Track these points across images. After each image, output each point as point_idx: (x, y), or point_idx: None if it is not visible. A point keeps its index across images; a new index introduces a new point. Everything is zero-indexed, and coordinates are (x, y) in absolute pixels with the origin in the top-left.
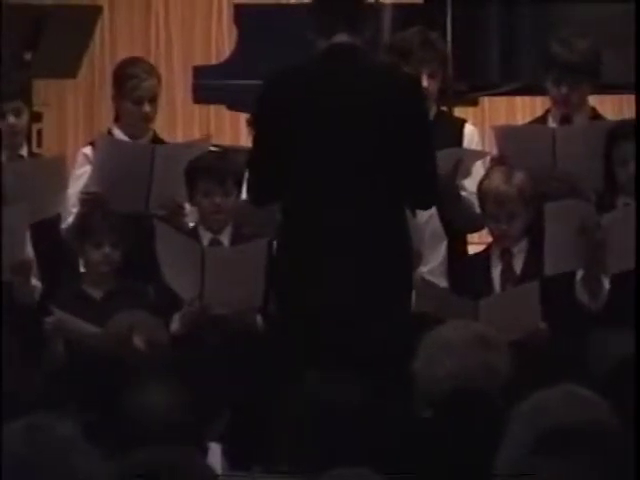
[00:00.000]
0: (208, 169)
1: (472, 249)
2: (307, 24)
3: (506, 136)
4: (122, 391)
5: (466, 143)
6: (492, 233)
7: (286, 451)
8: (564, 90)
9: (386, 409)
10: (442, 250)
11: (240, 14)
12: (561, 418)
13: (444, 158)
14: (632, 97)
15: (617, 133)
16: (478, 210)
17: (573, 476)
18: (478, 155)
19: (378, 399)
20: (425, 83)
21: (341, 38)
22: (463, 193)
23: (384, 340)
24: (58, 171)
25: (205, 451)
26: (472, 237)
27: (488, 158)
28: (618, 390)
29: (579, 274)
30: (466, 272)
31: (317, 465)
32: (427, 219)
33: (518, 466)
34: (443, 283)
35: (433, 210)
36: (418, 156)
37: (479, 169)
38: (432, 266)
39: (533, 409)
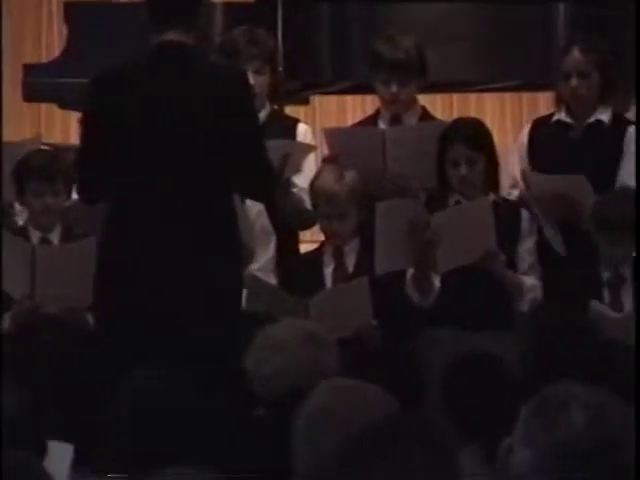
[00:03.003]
0: (37, 169)
1: (304, 248)
2: (138, 22)
3: (336, 137)
4: None
5: None
6: (324, 232)
7: (114, 451)
8: (392, 89)
9: (218, 408)
10: (271, 247)
11: (70, 12)
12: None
13: (273, 150)
14: (462, 95)
15: (449, 135)
16: (309, 207)
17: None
18: (307, 149)
19: (210, 398)
20: (251, 80)
21: (171, 35)
22: (294, 189)
23: (215, 338)
24: None
25: (42, 452)
26: (304, 236)
27: (320, 157)
28: (450, 389)
29: (410, 272)
30: (298, 271)
31: (145, 464)
32: (256, 216)
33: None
34: (272, 280)
35: (261, 207)
36: (249, 150)
37: (311, 166)
38: (261, 263)
39: (315, 412)
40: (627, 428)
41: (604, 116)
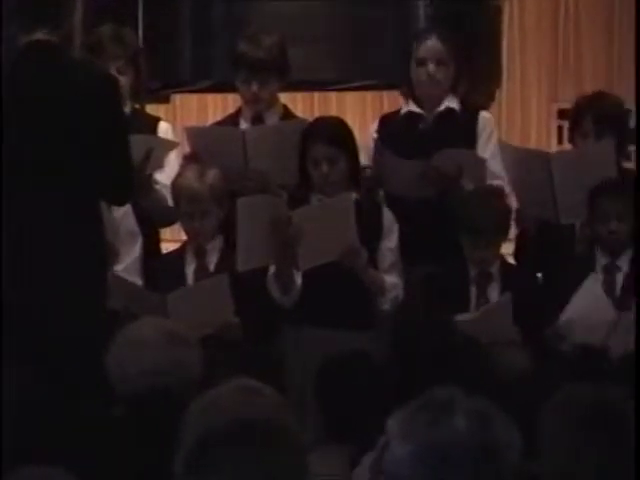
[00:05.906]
0: None
1: (165, 247)
2: (6, 19)
3: (197, 136)
4: None
5: None
6: (186, 230)
7: None
8: (253, 88)
9: (77, 407)
10: (137, 247)
11: None
12: (232, 413)
13: (135, 145)
14: (323, 94)
15: (310, 134)
16: (170, 204)
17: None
18: (169, 145)
19: (69, 397)
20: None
21: (39, 35)
22: (156, 186)
23: (75, 338)
24: None
25: None
26: (164, 235)
27: (181, 155)
28: (318, 388)
29: (272, 269)
30: (160, 270)
31: (5, 464)
32: (122, 215)
33: (191, 464)
34: (138, 281)
35: (128, 206)
36: (113, 152)
37: (173, 164)
38: (126, 264)
39: (203, 407)
40: (507, 437)
41: (454, 104)
